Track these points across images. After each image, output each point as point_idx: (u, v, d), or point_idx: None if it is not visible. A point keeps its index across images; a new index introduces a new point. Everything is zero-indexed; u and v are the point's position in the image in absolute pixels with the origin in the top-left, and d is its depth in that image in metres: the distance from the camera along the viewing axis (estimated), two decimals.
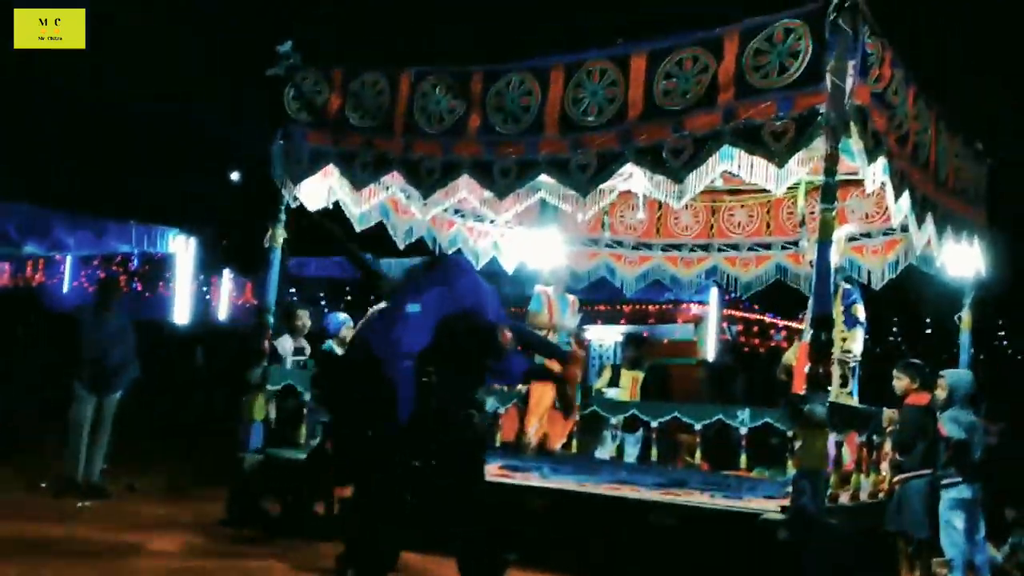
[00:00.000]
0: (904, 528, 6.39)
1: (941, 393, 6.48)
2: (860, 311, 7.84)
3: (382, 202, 7.84)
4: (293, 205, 7.47)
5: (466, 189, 6.81)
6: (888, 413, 6.70)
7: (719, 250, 9.46)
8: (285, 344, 8.34)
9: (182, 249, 14.31)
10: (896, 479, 6.55)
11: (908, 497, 6.39)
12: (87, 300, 9.99)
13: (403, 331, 4.78)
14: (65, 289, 20.02)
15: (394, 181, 7.11)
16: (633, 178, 6.41)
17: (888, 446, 6.60)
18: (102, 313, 8.34)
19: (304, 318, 8.76)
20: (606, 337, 14.86)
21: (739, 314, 15.24)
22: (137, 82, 20.26)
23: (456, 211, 8.78)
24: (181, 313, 13.46)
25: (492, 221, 9.01)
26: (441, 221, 8.87)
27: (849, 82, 5.29)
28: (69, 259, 19.98)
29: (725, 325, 14.76)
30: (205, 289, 20.54)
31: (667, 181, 5.96)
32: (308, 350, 8.54)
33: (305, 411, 7.65)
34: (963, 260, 7.66)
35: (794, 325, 14.02)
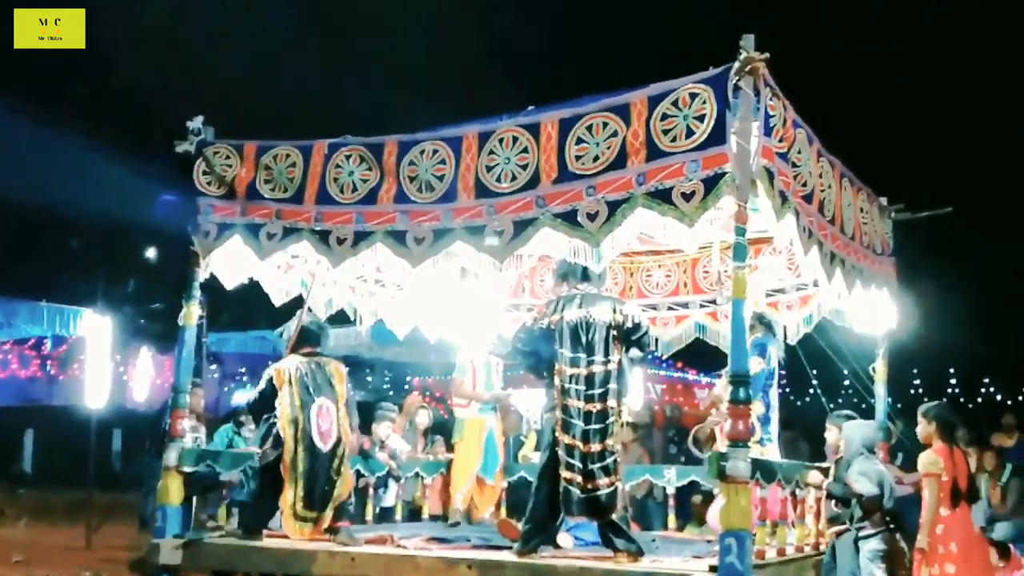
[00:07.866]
0: None
1: (841, 444, 6.58)
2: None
3: (301, 277, 7.78)
4: (206, 278, 7.34)
5: (380, 257, 6.78)
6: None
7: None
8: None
9: (95, 329, 13.88)
10: (831, 531, 6.61)
11: (843, 550, 6.45)
12: None
13: None
14: None
15: (307, 252, 7.05)
16: (550, 242, 6.44)
17: (811, 498, 6.65)
18: None
19: (197, 395, 8.54)
20: (533, 401, 14.78)
21: (663, 373, 15.36)
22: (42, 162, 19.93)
23: (376, 281, 8.73)
24: (96, 397, 12.99)
25: (413, 290, 8.95)
26: (362, 292, 8.80)
27: (754, 143, 5.42)
28: None
29: (649, 384, 14.85)
30: (122, 370, 19.95)
31: (584, 244, 6.01)
32: (203, 432, 8.32)
33: (224, 492, 7.44)
34: (874, 312, 7.82)
35: (717, 382, 14.13)
